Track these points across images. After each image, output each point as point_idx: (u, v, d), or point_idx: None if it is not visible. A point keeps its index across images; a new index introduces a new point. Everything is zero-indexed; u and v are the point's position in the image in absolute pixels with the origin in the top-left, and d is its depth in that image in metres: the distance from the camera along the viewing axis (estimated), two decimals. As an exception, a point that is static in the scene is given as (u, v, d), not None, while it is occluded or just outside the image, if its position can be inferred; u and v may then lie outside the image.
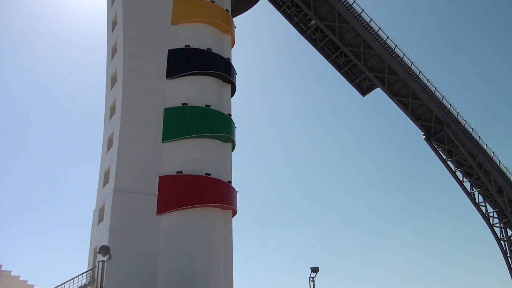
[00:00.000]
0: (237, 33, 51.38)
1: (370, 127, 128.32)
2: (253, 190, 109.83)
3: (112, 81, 45.28)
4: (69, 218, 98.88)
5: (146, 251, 37.10)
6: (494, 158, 59.44)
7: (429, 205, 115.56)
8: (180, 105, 42.65)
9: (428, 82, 56.51)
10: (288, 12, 56.21)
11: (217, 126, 43.57)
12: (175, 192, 39.56)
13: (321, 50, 58.26)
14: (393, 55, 54.48)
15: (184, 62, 44.25)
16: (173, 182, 39.92)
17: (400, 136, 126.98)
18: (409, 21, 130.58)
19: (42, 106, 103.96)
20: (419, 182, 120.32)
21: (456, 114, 58.11)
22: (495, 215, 62.20)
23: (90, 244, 41.11)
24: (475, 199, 62.12)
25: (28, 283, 38.68)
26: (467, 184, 61.97)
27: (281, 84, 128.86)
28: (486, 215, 62.10)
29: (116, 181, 38.41)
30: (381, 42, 53.84)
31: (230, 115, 45.53)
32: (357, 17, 52.90)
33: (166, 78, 43.46)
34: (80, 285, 35.01)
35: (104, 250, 29.89)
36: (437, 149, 60.59)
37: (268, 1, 56.00)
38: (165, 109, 42.30)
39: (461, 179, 61.62)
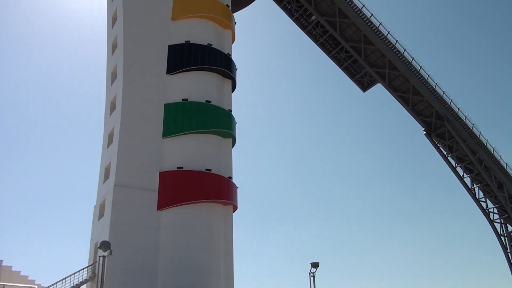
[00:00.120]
0: (237, 28, 51.34)
1: (371, 122, 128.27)
2: (254, 185, 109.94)
3: (113, 76, 45.26)
4: (69, 213, 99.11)
5: (147, 247, 37.18)
6: (495, 154, 59.43)
7: (429, 201, 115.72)
8: (181, 100, 42.63)
9: (428, 78, 56.45)
10: (289, 7, 56.08)
11: (218, 121, 43.57)
12: (175, 188, 39.61)
13: (322, 46, 58.16)
14: (394, 50, 54.37)
15: (185, 57, 44.20)
16: (174, 178, 39.97)
17: (400, 131, 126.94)
18: (409, 17, 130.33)
19: (42, 101, 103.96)
20: (420, 178, 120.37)
21: (457, 109, 58.08)
22: (496, 210, 62.23)
23: (91, 239, 41.19)
24: (475, 194, 62.14)
25: (29, 278, 38.74)
26: (468, 180, 61.97)
27: (282, 80, 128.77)
28: (487, 210, 62.12)
29: (117, 176, 38.46)
30: (381, 37, 53.71)
31: (231, 111, 45.51)
32: (358, 12, 52.75)
33: (167, 73, 43.44)
34: (81, 280, 35.10)
35: (105, 245, 29.97)
36: (438, 144, 60.56)
37: (268, -4, 55.84)
38: (165, 104, 42.29)
39: (461, 175, 61.61)
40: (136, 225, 37.44)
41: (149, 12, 45.07)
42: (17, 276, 37.90)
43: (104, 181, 41.45)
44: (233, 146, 45.81)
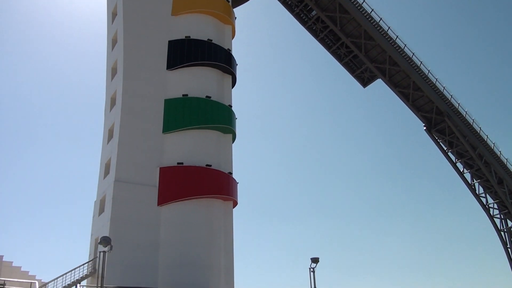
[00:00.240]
0: (237, 23, 51.21)
1: (371, 118, 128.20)
2: (254, 181, 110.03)
3: (113, 72, 45.20)
4: (70, 209, 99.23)
5: (147, 242, 37.23)
6: (495, 149, 59.41)
7: (429, 196, 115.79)
8: (181, 96, 42.59)
9: (429, 73, 56.36)
10: (289, 2, 55.92)
11: (218, 117, 43.53)
12: (175, 183, 39.62)
13: (322, 41, 58.03)
14: (394, 46, 54.27)
15: (185, 53, 44.12)
16: (174, 173, 39.97)
17: (400, 127, 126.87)
18: (410, 13, 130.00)
19: (43, 97, 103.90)
20: (419, 174, 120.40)
21: (457, 105, 58.02)
22: (496, 206, 62.28)
23: (91, 235, 41.23)
24: (475, 190, 62.18)
25: (29, 274, 38.82)
26: (468, 176, 62.00)
27: (282, 75, 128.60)
28: (487, 206, 62.17)
29: (117, 172, 38.47)
30: (382, 32, 53.59)
31: (231, 106, 45.47)
32: (358, 7, 52.60)
33: (167, 69, 43.38)
34: (81, 275, 35.13)
35: (105, 241, 29.99)
36: (438, 140, 60.54)
37: (268, -8, 55.71)
38: (165, 100, 42.26)
39: (461, 170, 61.62)
40: (137, 221, 37.48)
41: (149, 7, 44.95)
42: (17, 272, 37.96)
43: (104, 176, 41.46)
44: (233, 142, 45.78)
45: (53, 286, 33.42)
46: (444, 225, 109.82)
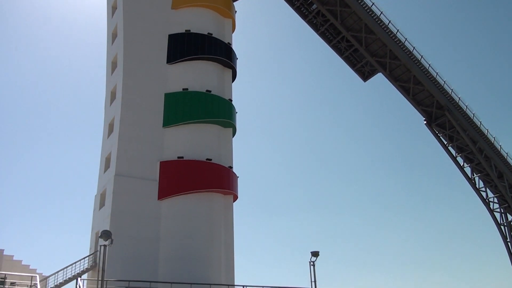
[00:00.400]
0: (237, 17, 51.07)
1: (371, 112, 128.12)
2: (254, 175, 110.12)
3: (113, 66, 45.15)
4: (70, 203, 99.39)
5: (147, 236, 37.33)
6: (495, 144, 59.33)
7: (429, 190, 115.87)
8: (181, 90, 42.57)
9: (429, 67, 56.17)
10: (289, -4, 55.67)
11: (218, 111, 43.51)
12: (176, 177, 39.68)
13: (322, 35, 57.84)
14: (395, 39, 54.08)
15: (185, 47, 44.06)
16: (174, 167, 40.02)
17: (401, 121, 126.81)
18: (410, 7, 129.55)
19: (43, 91, 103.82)
20: (420, 168, 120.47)
21: (458, 99, 57.88)
22: (496, 200, 62.25)
23: (92, 229, 41.34)
24: (475, 184, 62.16)
25: (30, 267, 38.91)
26: (468, 170, 61.96)
27: (282, 69, 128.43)
28: (487, 200, 62.18)
29: (117, 166, 38.51)
30: (382, 26, 53.40)
31: (231, 100, 45.44)
32: (359, 1, 52.37)
33: (167, 63, 43.35)
34: (82, 269, 35.28)
35: (106, 234, 30.04)
36: (438, 134, 60.47)
37: (269, -15, 55.49)
38: (165, 94, 42.25)
39: (461, 165, 61.58)
40: (137, 215, 37.56)
41: (149, 1, 44.85)
42: (18, 266, 38.05)
43: (105, 170, 41.52)
44: (233, 136, 45.80)
45: (54, 280, 33.57)
46: (444, 219, 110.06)
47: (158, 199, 38.83)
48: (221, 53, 45.47)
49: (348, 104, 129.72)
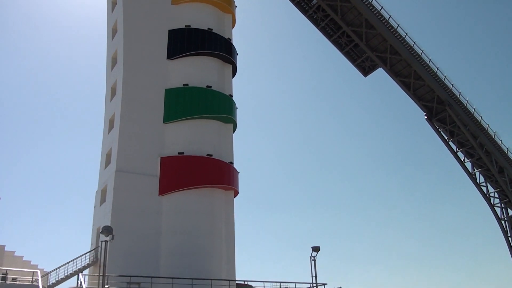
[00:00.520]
0: (237, 12, 50.92)
1: (371, 107, 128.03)
2: (255, 171, 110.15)
3: (113, 61, 45.08)
4: (71, 199, 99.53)
5: (149, 232, 37.37)
6: (496, 139, 59.32)
7: (429, 185, 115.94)
8: (181, 86, 42.52)
9: (430, 62, 56.10)
10: (290, -9, 55.52)
11: (218, 107, 43.48)
12: (176, 173, 39.69)
13: (323, 30, 57.71)
14: (395, 34, 53.98)
15: (185, 42, 43.97)
16: (175, 163, 40.03)
17: (401, 116, 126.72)
18: (411, 3, 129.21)
19: (43, 87, 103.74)
20: (420, 163, 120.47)
21: (458, 94, 57.84)
22: (496, 195, 62.32)
23: (93, 224, 41.39)
24: (476, 179, 62.20)
25: (32, 263, 38.97)
26: (469, 165, 61.99)
27: (282, 65, 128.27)
28: (487, 195, 62.22)
29: (118, 162, 38.52)
30: (383, 21, 53.28)
31: (231, 96, 45.40)
32: (359, -4, 52.26)
33: (167, 58, 43.27)
34: (83, 264, 35.34)
35: (107, 230, 30.07)
36: (439, 129, 60.45)
37: (269, -20, 55.32)
38: (166, 90, 42.19)
39: (462, 160, 61.60)
40: (138, 210, 37.60)
41: (149, -4, 44.70)
42: (20, 261, 38.11)
43: (106, 166, 41.54)
44: (234, 131, 45.77)
45: (56, 275, 33.62)
46: (445, 214, 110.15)
47: (159, 194, 38.85)
48: (221, 49, 45.38)
49: (349, 100, 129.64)
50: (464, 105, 57.82)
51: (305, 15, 56.83)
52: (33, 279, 31.36)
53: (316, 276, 37.80)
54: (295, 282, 38.13)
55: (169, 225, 38.10)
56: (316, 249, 37.25)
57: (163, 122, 41.24)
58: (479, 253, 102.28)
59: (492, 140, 59.14)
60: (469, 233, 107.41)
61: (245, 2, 67.58)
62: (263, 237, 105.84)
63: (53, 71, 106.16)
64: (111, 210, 36.69)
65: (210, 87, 43.31)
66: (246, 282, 37.52)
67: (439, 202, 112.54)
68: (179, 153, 40.44)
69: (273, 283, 37.40)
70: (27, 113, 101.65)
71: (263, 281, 36.65)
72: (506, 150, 60.01)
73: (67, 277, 33.91)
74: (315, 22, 57.22)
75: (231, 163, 43.17)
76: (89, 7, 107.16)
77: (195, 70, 43.49)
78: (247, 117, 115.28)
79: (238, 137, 55.57)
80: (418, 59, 55.27)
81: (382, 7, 53.16)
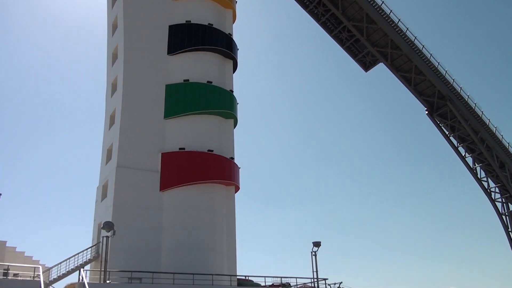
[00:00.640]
0: (238, 8, 50.81)
1: (372, 102, 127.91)
2: (256, 166, 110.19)
3: (113, 57, 45.03)
4: (73, 195, 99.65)
5: (150, 227, 37.43)
6: (497, 133, 59.26)
7: (430, 180, 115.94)
8: (182, 81, 42.48)
9: (431, 57, 55.96)
10: (290, -14, 55.31)
11: (219, 102, 43.43)
12: (177, 169, 39.71)
13: (324, 25, 57.56)
14: (396, 29, 53.82)
15: (185, 38, 43.90)
16: (176, 159, 40.04)
17: (402, 111, 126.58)
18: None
19: (45, 84, 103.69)
20: (421, 158, 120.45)
21: (459, 89, 57.73)
22: (497, 190, 62.31)
23: (94, 220, 41.46)
24: (477, 174, 62.16)
25: (33, 259, 39.07)
26: (469, 160, 61.94)
27: (283, 60, 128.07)
28: (488, 190, 62.20)
29: (119, 158, 38.54)
30: (384, 16, 53.13)
31: (232, 91, 45.35)
32: (360, -10, 52.08)
33: (167, 54, 43.23)
34: (85, 260, 35.38)
35: (108, 225, 30.19)
36: (440, 124, 60.37)
37: (269, -25, 55.12)
38: (166, 85, 42.16)
39: (463, 155, 61.55)
40: (139, 206, 37.64)
41: (149, -9, 44.57)
42: (21, 257, 38.19)
43: (107, 162, 41.56)
44: (235, 127, 45.74)
45: (57, 271, 33.67)
46: (446, 209, 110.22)
47: (160, 190, 38.89)
48: (222, 44, 45.31)
49: (350, 95, 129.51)
50: (465, 100, 57.72)
51: (305, 10, 56.67)
52: (35, 275, 31.40)
53: (317, 271, 37.92)
54: (296, 277, 38.25)
55: (170, 221, 38.15)
56: (317, 244, 37.34)
57: (164, 117, 41.22)
58: (480, 248, 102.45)
59: (493, 135, 59.07)
60: (470, 228, 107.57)
61: (246, -3, 67.33)
62: (264, 232, 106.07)
63: (53, 67, 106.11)
64: (112, 206, 36.74)
65: (211, 82, 43.27)
66: (247, 277, 37.60)
67: (440, 197, 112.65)
68: (180, 148, 40.43)
69: (274, 278, 37.50)
70: (28, 109, 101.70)
71: (264, 276, 36.74)
72: (507, 145, 59.96)
73: (69, 273, 33.97)
74: (316, 17, 57.06)
75: (232, 158, 43.18)
76: (89, 3, 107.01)
77: (196, 66, 43.43)
78: (248, 113, 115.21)
79: (239, 133, 55.54)
80: (419, 53, 55.14)
81: (383, 2, 53.01)
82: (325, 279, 38.34)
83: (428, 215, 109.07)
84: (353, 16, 54.55)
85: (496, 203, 62.23)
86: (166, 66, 42.87)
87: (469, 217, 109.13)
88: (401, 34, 54.11)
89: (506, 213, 61.76)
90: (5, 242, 37.89)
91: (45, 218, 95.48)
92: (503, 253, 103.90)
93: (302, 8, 56.60)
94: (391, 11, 53.38)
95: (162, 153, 39.99)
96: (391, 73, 57.72)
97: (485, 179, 62.38)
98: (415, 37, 54.80)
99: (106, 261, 29.78)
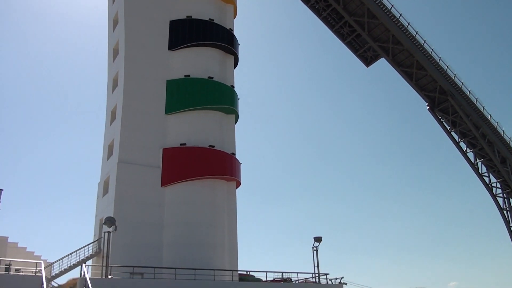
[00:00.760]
0: (239, 3, 50.66)
1: (374, 98, 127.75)
2: (257, 161, 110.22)
3: (114, 53, 44.98)
4: (74, 190, 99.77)
5: (151, 222, 37.48)
6: (498, 129, 59.20)
7: (432, 176, 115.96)
8: (183, 77, 42.44)
9: (432, 52, 55.84)
10: (291, -19, 55.16)
11: (220, 98, 43.40)
12: (179, 164, 39.72)
13: (325, 20, 57.40)
14: (398, 24, 53.67)
15: (186, 33, 43.83)
16: (177, 154, 40.05)
17: (403, 107, 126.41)
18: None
19: (46, 80, 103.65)
20: (423, 154, 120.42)
21: (461, 84, 57.61)
22: (498, 185, 62.27)
23: (96, 215, 41.53)
24: (478, 169, 62.10)
25: (35, 254, 39.17)
26: (471, 155, 61.88)
27: (284, 55, 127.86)
28: (489, 185, 62.16)
29: (120, 153, 38.54)
30: (385, 11, 52.97)
31: (233, 87, 45.30)
32: (362, -15, 51.93)
33: (168, 49, 43.18)
34: (86, 255, 35.47)
35: (110, 221, 30.26)
36: (441, 119, 60.28)
37: (270, -30, 54.94)
38: (167, 81, 42.13)
39: (464, 150, 61.49)
40: (140, 201, 37.67)
41: (150, -13, 44.45)
42: (23, 252, 38.29)
43: (108, 158, 41.57)
44: (236, 122, 45.71)
45: (59, 266, 33.77)
46: (447, 204, 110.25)
47: (161, 185, 38.92)
48: (222, 39, 45.22)
49: (351, 91, 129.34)
50: (466, 95, 57.62)
51: (307, 5, 56.52)
52: (36, 270, 31.45)
53: (318, 266, 37.98)
54: (297, 272, 38.31)
55: (172, 216, 38.20)
56: (318, 239, 37.38)
57: (165, 113, 41.21)
58: (481, 243, 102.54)
59: (494, 130, 59.00)
60: (471, 224, 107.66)
61: (247, -8, 67.20)
62: (266, 227, 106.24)
63: (54, 63, 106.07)
64: (114, 201, 36.78)
65: (212, 78, 43.22)
66: (248, 273, 37.64)
67: (441, 193, 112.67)
68: (181, 144, 40.44)
69: (275, 273, 37.55)
70: (30, 106, 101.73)
71: (266, 272, 36.79)
72: (508, 140, 59.90)
73: (70, 268, 34.07)
74: (317, 12, 56.90)
75: (233, 154, 43.18)
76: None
77: (197, 61, 43.38)
78: (249, 108, 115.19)
79: (240, 128, 55.55)
80: (420, 49, 55.00)
81: (384, -3, 52.84)
82: (326, 274, 38.39)
83: (429, 210, 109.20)
84: (354, 11, 54.41)
85: (498, 198, 62.21)
86: (167, 61, 42.82)
87: (470, 213, 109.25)
88: (402, 29, 53.97)
89: (508, 208, 61.75)
90: (7, 237, 37.97)
91: (47, 213, 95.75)
92: (505, 249, 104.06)
93: (303, 3, 56.47)
94: (392, 5, 53.25)
95: (163, 149, 39.99)
96: (393, 68, 57.63)
97: (486, 174, 62.34)
98: (417, 32, 54.70)
99: (107, 256, 29.86)
